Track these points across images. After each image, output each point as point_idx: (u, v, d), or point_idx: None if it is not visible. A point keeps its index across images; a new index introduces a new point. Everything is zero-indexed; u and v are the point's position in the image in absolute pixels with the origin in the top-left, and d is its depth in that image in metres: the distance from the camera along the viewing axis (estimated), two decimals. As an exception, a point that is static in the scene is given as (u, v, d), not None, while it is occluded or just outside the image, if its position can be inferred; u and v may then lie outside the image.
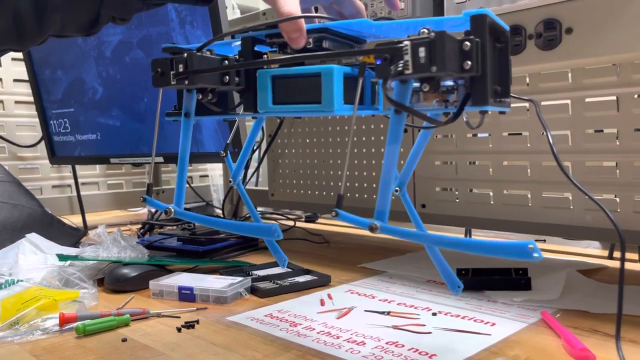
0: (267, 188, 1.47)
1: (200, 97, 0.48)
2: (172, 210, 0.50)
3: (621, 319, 0.50)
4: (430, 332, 0.62)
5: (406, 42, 0.36)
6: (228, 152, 0.61)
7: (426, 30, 0.37)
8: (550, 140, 0.50)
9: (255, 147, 1.44)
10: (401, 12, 0.73)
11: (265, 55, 0.49)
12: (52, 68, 1.30)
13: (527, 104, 0.94)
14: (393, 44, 0.37)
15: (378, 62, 0.38)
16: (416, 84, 0.39)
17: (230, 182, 0.62)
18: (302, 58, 0.44)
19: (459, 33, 0.39)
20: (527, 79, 0.94)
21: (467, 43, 0.37)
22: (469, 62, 0.37)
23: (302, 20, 0.46)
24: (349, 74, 0.43)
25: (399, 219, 1.24)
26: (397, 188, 0.56)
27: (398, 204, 0.61)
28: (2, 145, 1.42)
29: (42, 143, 1.41)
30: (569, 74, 0.89)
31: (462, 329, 0.62)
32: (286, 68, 0.44)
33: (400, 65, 0.37)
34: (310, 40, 0.47)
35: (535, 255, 0.35)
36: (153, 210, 1.52)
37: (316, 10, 0.62)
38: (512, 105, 0.67)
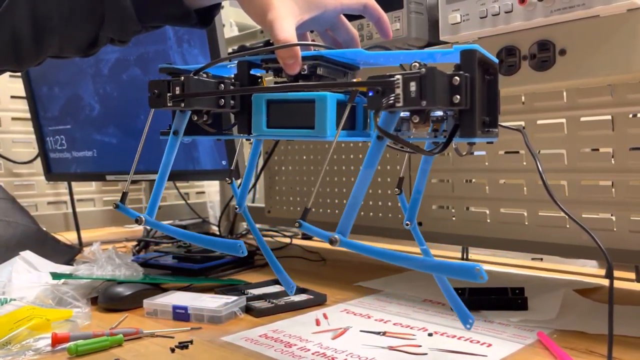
0: (263, 205, 1.47)
1: (196, 118, 0.48)
2: (143, 219, 0.50)
3: (612, 340, 0.50)
4: (426, 353, 0.61)
5: (398, 76, 0.38)
6: (233, 178, 0.61)
7: (417, 64, 0.38)
8: (540, 168, 0.51)
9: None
10: (396, 33, 0.74)
11: (260, 79, 0.50)
12: (49, 85, 1.30)
13: (523, 122, 0.94)
14: (385, 77, 0.38)
15: (370, 94, 0.39)
16: (407, 114, 0.40)
17: (236, 209, 0.62)
18: (298, 87, 0.45)
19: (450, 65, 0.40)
20: (523, 98, 0.94)
21: (457, 78, 0.38)
22: (458, 97, 0.38)
23: (298, 47, 0.47)
24: (342, 100, 0.44)
25: (392, 236, 1.23)
26: (407, 222, 0.57)
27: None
28: (-2, 162, 1.42)
29: (38, 160, 1.40)
30: (564, 94, 0.89)
31: (458, 350, 0.62)
32: (281, 93, 0.44)
33: (392, 98, 0.38)
34: (305, 66, 0.47)
35: (481, 277, 0.36)
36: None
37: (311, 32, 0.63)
38: (507, 123, 0.68)
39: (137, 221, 0.50)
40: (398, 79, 0.38)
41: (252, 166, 0.61)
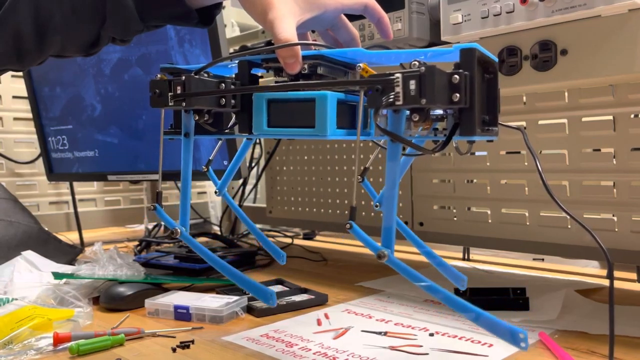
0: (265, 205, 1.47)
1: (197, 117, 0.48)
2: (179, 231, 0.50)
3: (614, 341, 0.50)
4: (427, 354, 0.61)
5: (397, 75, 0.38)
6: (210, 167, 0.62)
7: (417, 63, 0.38)
8: (539, 168, 0.51)
9: (253, 164, 1.44)
10: (398, 33, 0.74)
11: (261, 78, 0.50)
12: (51, 85, 1.30)
13: (524, 122, 0.94)
14: (385, 75, 0.39)
15: (370, 92, 0.39)
16: (407, 112, 0.40)
17: (215, 192, 0.62)
18: (298, 86, 0.45)
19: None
20: (524, 98, 0.94)
21: (456, 76, 0.38)
22: (458, 95, 0.38)
23: (298, 46, 0.47)
24: (342, 99, 0.44)
25: (396, 236, 1.23)
26: (377, 204, 0.57)
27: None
28: (0, 162, 1.42)
29: (40, 160, 1.41)
30: (566, 94, 0.89)
31: (459, 350, 0.62)
32: (281, 92, 0.45)
33: (392, 96, 0.38)
34: (306, 65, 0.48)
35: (522, 345, 0.38)
36: (150, 227, 1.52)
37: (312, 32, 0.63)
38: (509, 123, 0.67)
39: (173, 233, 0.49)
40: (397, 78, 0.38)
41: (239, 160, 0.61)
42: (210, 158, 0.61)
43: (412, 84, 0.37)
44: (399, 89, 0.38)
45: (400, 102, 0.38)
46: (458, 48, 0.40)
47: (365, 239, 0.41)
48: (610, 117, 0.85)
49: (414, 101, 0.38)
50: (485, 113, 0.42)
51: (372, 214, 1.20)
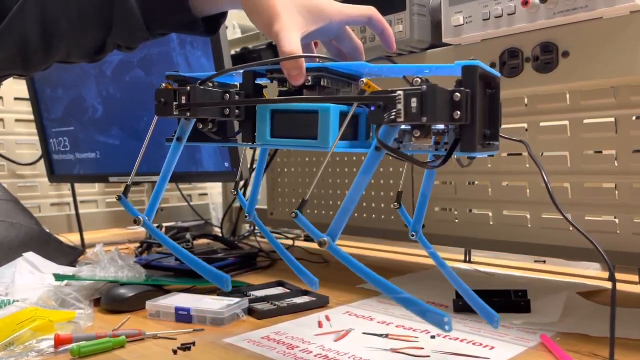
0: (266, 207, 1.47)
1: (201, 126, 0.49)
2: (142, 220, 0.50)
3: (614, 343, 0.50)
4: (428, 356, 0.61)
5: (399, 92, 0.38)
6: (239, 190, 0.62)
7: (420, 80, 0.38)
8: (545, 178, 0.51)
9: (254, 166, 1.44)
10: (399, 35, 0.74)
11: (265, 88, 0.51)
12: (52, 87, 1.30)
13: (526, 124, 0.94)
14: (387, 92, 0.39)
15: (372, 108, 0.39)
16: (409, 126, 0.41)
17: (246, 217, 0.63)
18: (301, 100, 0.45)
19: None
20: (526, 100, 0.94)
21: (458, 94, 0.39)
22: (459, 113, 0.39)
23: (303, 59, 0.47)
24: (345, 112, 0.44)
25: (395, 238, 1.23)
26: (413, 233, 0.59)
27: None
28: (1, 164, 1.42)
29: (42, 161, 1.41)
30: (567, 96, 0.89)
31: (461, 353, 0.62)
32: (285, 103, 0.45)
33: (394, 113, 0.38)
34: (310, 77, 0.48)
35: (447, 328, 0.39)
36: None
37: (316, 45, 0.64)
38: (511, 125, 0.67)
39: (136, 221, 0.50)
40: (400, 95, 0.38)
41: (260, 174, 0.62)
42: (237, 180, 0.62)
43: (414, 102, 0.38)
44: (400, 107, 0.38)
45: (402, 119, 0.38)
46: (460, 65, 0.40)
47: (308, 227, 0.43)
48: (612, 119, 0.85)
49: (415, 119, 0.38)
50: (486, 127, 0.42)
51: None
